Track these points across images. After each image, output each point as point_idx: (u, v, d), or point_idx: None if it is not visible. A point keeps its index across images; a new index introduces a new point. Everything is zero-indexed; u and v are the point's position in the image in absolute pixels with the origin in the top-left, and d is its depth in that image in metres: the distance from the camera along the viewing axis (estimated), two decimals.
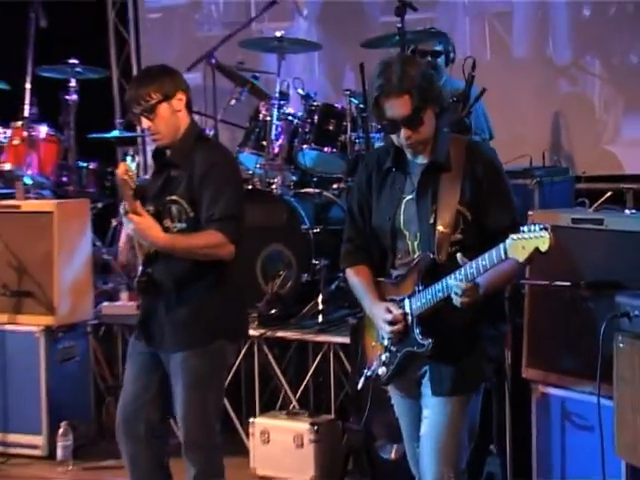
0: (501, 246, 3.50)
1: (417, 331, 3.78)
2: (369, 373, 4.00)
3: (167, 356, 4.41)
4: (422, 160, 3.87)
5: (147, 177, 4.58)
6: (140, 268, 4.40)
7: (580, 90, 7.40)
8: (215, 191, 4.27)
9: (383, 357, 3.92)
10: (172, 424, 4.72)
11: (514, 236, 3.46)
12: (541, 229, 3.42)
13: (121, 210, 4.29)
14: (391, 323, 3.82)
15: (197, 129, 4.52)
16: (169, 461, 4.54)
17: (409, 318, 3.81)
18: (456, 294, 3.62)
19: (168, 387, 4.42)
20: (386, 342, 3.91)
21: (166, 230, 4.35)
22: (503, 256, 3.50)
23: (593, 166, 7.11)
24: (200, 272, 4.35)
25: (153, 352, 4.45)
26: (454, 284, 3.62)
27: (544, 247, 3.41)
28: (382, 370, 3.93)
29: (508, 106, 7.30)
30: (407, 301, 3.81)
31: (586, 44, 7.36)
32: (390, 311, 3.83)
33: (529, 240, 3.43)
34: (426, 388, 3.87)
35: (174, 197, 4.35)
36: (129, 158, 4.27)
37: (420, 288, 3.77)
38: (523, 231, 3.45)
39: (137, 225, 4.22)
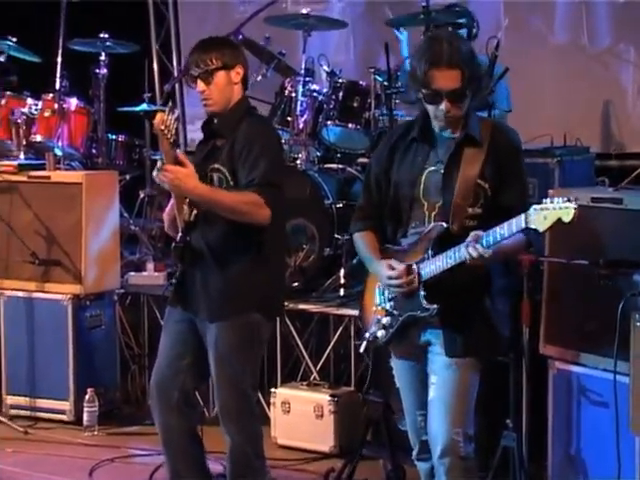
0: (522, 216, 3.52)
1: (422, 295, 3.81)
2: (367, 335, 4.02)
3: (203, 324, 4.41)
4: (449, 134, 3.89)
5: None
6: (179, 235, 4.35)
7: (612, 76, 7.39)
8: (255, 159, 4.27)
9: (384, 320, 3.95)
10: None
11: (537, 207, 3.48)
12: (565, 201, 3.43)
13: (158, 165, 4.24)
14: (395, 278, 3.84)
15: (248, 104, 4.52)
16: (201, 429, 4.54)
17: (415, 281, 3.82)
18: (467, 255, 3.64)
19: (204, 354, 4.42)
20: (388, 306, 3.94)
21: None
22: (523, 225, 3.52)
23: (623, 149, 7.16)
24: (240, 244, 4.32)
25: (189, 319, 4.45)
26: (468, 248, 3.62)
27: (568, 218, 3.43)
28: (381, 333, 3.96)
29: (538, 88, 7.30)
30: (415, 267, 3.83)
31: (622, 31, 7.35)
32: (392, 267, 3.86)
33: (552, 211, 3.45)
34: (435, 353, 3.88)
35: (216, 165, 4.36)
36: (167, 109, 4.21)
37: (430, 254, 3.80)
38: (545, 202, 3.47)
39: (175, 174, 4.17)
